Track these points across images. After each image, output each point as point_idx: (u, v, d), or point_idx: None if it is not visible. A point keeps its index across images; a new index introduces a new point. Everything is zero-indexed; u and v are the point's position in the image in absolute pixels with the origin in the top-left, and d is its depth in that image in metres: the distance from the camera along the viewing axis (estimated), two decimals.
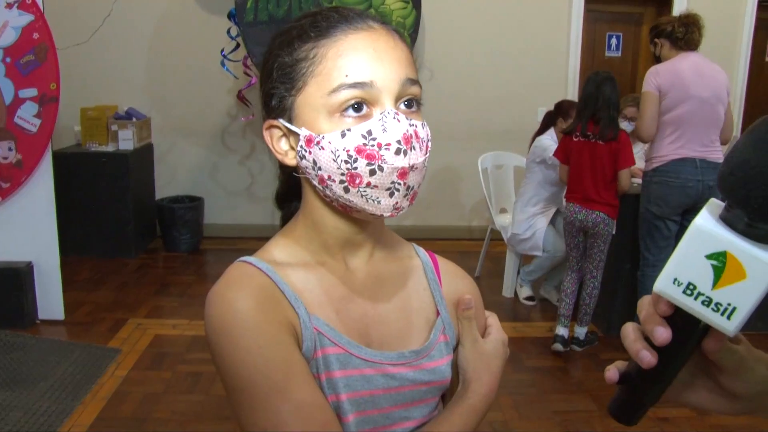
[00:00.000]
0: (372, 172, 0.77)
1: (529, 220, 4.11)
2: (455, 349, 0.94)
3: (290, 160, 0.84)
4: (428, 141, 0.83)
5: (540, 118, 4.70)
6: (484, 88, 5.52)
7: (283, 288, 0.82)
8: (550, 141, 4.03)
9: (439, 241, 5.30)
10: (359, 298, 0.88)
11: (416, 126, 0.80)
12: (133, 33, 5.22)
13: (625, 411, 0.66)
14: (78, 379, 3.11)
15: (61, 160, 4.32)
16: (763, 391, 0.65)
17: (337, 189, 0.80)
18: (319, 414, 0.75)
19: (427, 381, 0.88)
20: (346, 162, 0.78)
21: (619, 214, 3.66)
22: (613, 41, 5.89)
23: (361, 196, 0.79)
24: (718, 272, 0.55)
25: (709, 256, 0.56)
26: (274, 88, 0.83)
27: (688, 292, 0.57)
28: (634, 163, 3.44)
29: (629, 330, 0.64)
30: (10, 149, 3.56)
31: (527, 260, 4.35)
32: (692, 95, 3.24)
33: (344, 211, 0.84)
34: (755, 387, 0.65)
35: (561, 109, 4.10)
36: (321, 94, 0.78)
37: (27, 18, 3.48)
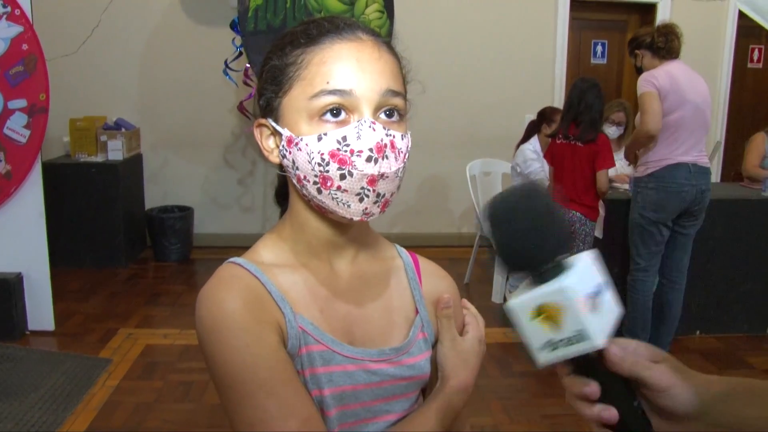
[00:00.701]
0: (342, 177, 0.81)
1: None
2: (434, 346, 0.98)
3: (275, 158, 0.89)
4: (406, 152, 0.86)
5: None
6: (472, 96, 5.56)
7: (270, 288, 0.86)
8: (530, 152, 4.07)
9: (428, 248, 5.32)
10: (343, 297, 0.92)
11: (393, 136, 0.83)
12: (122, 43, 5.23)
13: None
14: (69, 390, 3.10)
15: (50, 171, 4.32)
16: (696, 407, 0.67)
17: (312, 189, 0.84)
18: (302, 409, 0.79)
19: (407, 376, 0.92)
20: (320, 164, 0.81)
21: (608, 219, 3.71)
22: (599, 48, 5.96)
23: (332, 198, 0.83)
24: (547, 320, 0.64)
25: (532, 318, 0.65)
26: (265, 89, 0.87)
27: (553, 348, 0.65)
28: (612, 165, 3.50)
29: (580, 408, 0.68)
30: None
31: None
32: (688, 100, 3.27)
33: (320, 211, 0.88)
34: (683, 403, 0.67)
35: (545, 116, 4.17)
36: (304, 97, 0.82)
37: (16, 29, 3.49)
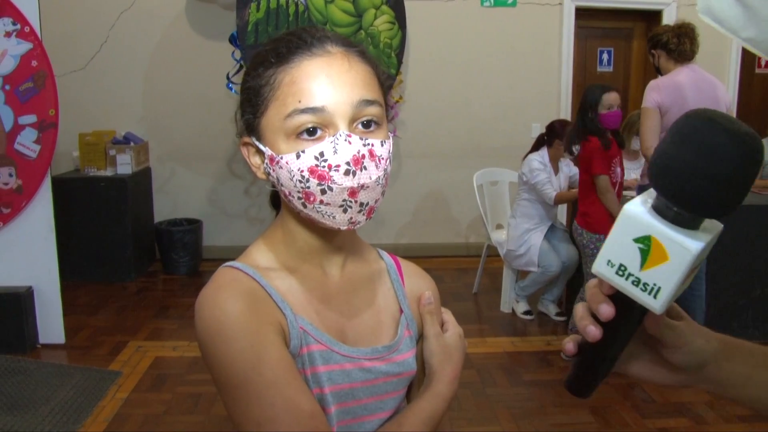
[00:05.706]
0: (323, 192, 0.83)
1: (523, 236, 4.14)
2: (418, 343, 1.02)
3: (261, 174, 0.91)
4: (388, 156, 0.87)
5: (534, 134, 4.76)
6: (478, 106, 5.58)
7: (269, 291, 0.88)
8: (537, 163, 4.06)
9: (436, 259, 5.32)
10: (335, 300, 0.95)
11: (372, 145, 0.85)
12: (130, 58, 5.28)
13: (579, 385, 0.72)
14: (79, 403, 3.12)
15: (60, 186, 4.35)
16: (701, 362, 0.71)
17: (297, 204, 0.87)
18: (307, 406, 0.81)
19: (397, 373, 0.96)
20: (300, 181, 0.84)
21: None
22: (605, 56, 5.96)
23: (317, 211, 0.85)
24: (645, 255, 0.60)
25: (636, 240, 0.61)
26: (244, 110, 0.90)
27: (620, 273, 0.62)
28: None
29: (579, 309, 0.69)
30: (10, 175, 3.60)
31: (524, 275, 4.37)
32: None
33: (309, 222, 0.90)
34: (694, 359, 0.71)
35: (554, 131, 4.10)
36: (279, 118, 0.84)
37: (26, 46, 3.54)
